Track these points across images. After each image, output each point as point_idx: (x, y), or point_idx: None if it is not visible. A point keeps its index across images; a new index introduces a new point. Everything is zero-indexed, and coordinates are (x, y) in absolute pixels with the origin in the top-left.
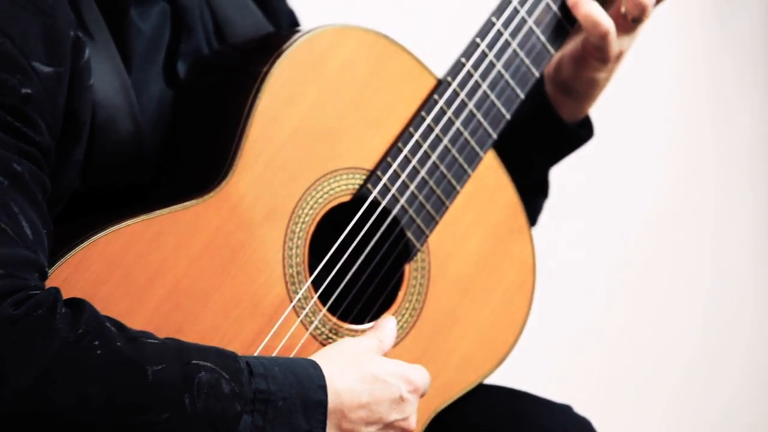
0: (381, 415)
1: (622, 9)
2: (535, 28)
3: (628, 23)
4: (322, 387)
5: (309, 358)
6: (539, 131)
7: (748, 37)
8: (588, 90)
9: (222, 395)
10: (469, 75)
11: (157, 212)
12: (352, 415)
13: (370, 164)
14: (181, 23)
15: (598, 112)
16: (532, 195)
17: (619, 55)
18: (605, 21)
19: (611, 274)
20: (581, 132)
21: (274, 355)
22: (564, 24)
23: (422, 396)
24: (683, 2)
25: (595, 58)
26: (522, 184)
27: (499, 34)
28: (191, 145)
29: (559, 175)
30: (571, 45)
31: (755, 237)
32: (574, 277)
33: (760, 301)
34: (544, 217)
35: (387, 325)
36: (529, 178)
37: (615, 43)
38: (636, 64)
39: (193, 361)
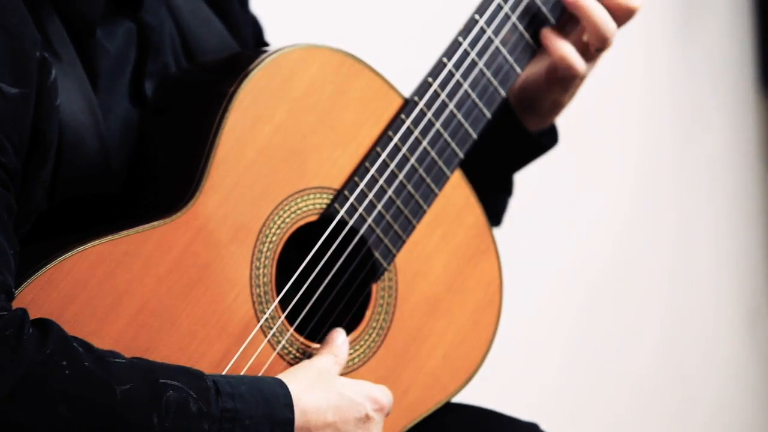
0: None
1: (584, 38)
2: (501, 48)
3: (591, 52)
4: (289, 405)
5: (275, 377)
6: (503, 140)
7: (711, 49)
8: (552, 109)
9: (189, 414)
10: (436, 94)
11: (125, 232)
12: None
13: (337, 184)
14: (148, 42)
15: (562, 126)
16: (497, 193)
17: (582, 79)
18: (578, 63)
19: (577, 293)
20: (546, 140)
21: (242, 374)
22: (531, 44)
23: (387, 415)
24: (647, 16)
25: (558, 85)
26: (486, 186)
27: (466, 53)
28: (158, 166)
29: (519, 196)
30: (535, 68)
31: (716, 251)
32: (539, 296)
33: (723, 316)
34: (508, 237)
35: (337, 338)
36: (494, 181)
37: (583, 69)
38: (600, 80)
39: (161, 380)
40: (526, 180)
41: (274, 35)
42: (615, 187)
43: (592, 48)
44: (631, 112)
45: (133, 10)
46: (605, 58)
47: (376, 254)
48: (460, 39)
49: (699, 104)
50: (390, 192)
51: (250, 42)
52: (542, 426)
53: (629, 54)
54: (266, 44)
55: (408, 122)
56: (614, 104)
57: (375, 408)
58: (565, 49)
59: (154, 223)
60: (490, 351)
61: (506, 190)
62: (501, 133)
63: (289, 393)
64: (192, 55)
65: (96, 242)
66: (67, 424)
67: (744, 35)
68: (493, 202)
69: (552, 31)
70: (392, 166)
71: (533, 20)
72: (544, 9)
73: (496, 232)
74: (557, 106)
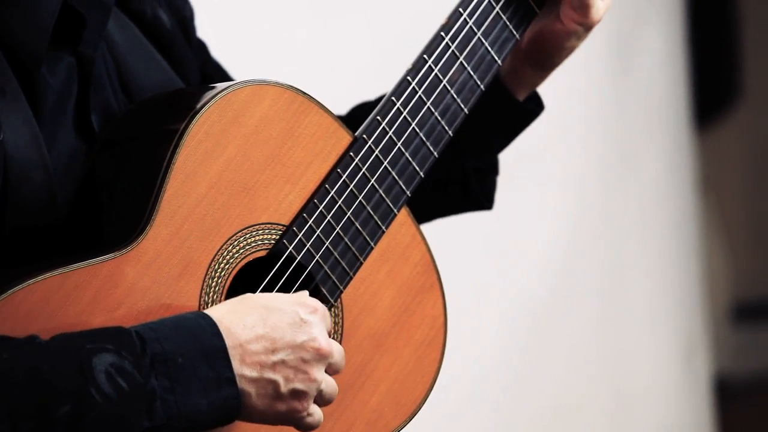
0: (285, 341)
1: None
2: (449, 87)
3: (584, 12)
4: (217, 334)
5: (196, 311)
6: (494, 114)
7: (645, 85)
8: (562, 58)
9: (125, 372)
10: (385, 132)
11: (75, 265)
12: (252, 347)
13: (286, 220)
14: (88, 77)
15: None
16: (487, 173)
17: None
18: None
19: (517, 328)
20: (534, 107)
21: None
22: (495, 59)
23: (329, 330)
24: (581, 52)
25: (579, 23)
26: (474, 162)
27: (414, 92)
28: (109, 200)
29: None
30: (546, 22)
31: (652, 288)
32: (481, 331)
33: (660, 351)
34: (451, 274)
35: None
36: (485, 160)
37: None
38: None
39: (87, 346)
40: (463, 219)
41: (224, 60)
42: (552, 221)
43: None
44: (564, 148)
45: (72, 44)
46: (541, 95)
47: (324, 290)
48: (409, 78)
49: (632, 140)
50: (338, 229)
51: (196, 75)
52: None
53: (563, 90)
54: (215, 64)
55: (356, 160)
56: (548, 141)
57: (308, 311)
58: None
59: (105, 257)
60: (434, 387)
61: (494, 169)
62: (491, 109)
63: (213, 321)
64: (129, 91)
65: (47, 275)
66: (3, 415)
67: (677, 71)
68: (485, 181)
69: None
70: (340, 202)
71: (480, 61)
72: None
73: (443, 266)
74: (568, 53)
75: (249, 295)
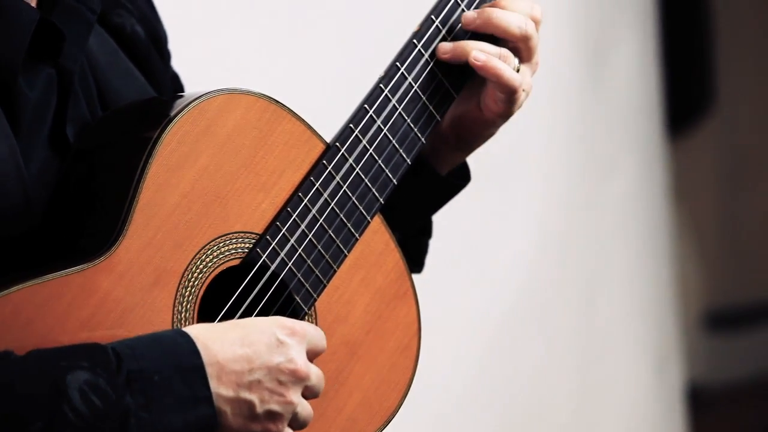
0: (262, 361)
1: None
2: (421, 94)
3: (506, 105)
4: (195, 352)
5: (175, 329)
6: (417, 186)
7: (618, 94)
8: (479, 143)
9: (99, 389)
10: (358, 140)
11: (49, 276)
12: (230, 366)
13: (259, 228)
14: (68, 89)
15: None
16: (417, 236)
17: (524, 93)
18: (515, 77)
19: (490, 339)
20: (459, 181)
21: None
22: (450, 90)
23: (312, 352)
24: (555, 59)
25: (498, 116)
26: (405, 230)
27: (387, 99)
28: (82, 210)
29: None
30: (463, 107)
31: (625, 298)
32: (455, 340)
33: (633, 362)
34: (426, 282)
35: None
36: (412, 226)
37: (522, 98)
38: (508, 125)
39: (62, 363)
40: (438, 228)
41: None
42: (524, 230)
43: (503, 98)
44: (538, 157)
45: (53, 57)
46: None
47: (297, 298)
48: (382, 86)
49: (605, 149)
50: (311, 237)
51: (170, 92)
52: None
53: (536, 99)
54: None
55: (329, 168)
56: (520, 149)
57: (287, 333)
58: (496, 63)
59: (78, 267)
60: (408, 394)
61: (425, 232)
62: (415, 178)
63: (191, 339)
64: (107, 104)
65: (21, 286)
66: None
67: (651, 80)
68: (414, 245)
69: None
70: (314, 211)
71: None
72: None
73: (416, 276)
74: (487, 138)
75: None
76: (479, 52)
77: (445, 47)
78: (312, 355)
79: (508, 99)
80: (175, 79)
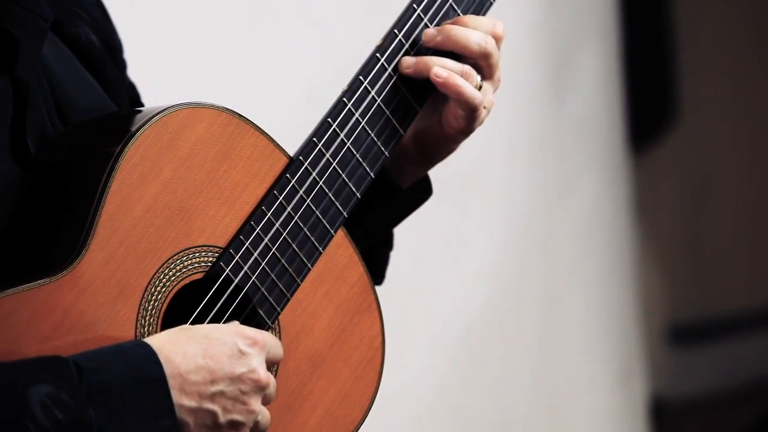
0: (224, 372)
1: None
2: (385, 108)
3: (467, 121)
4: (156, 363)
5: (135, 339)
6: (379, 199)
7: (580, 109)
8: (440, 158)
9: (61, 402)
10: (321, 154)
11: (10, 290)
12: (192, 377)
13: (222, 242)
14: (24, 99)
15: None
16: (378, 247)
17: (484, 110)
18: (475, 95)
19: (453, 351)
20: (420, 194)
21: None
22: (413, 104)
23: (270, 362)
24: (517, 75)
25: (459, 132)
26: (366, 242)
27: (351, 113)
28: (44, 224)
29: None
30: (425, 123)
31: (589, 312)
32: (418, 351)
33: (597, 375)
34: (389, 295)
35: None
36: (375, 238)
37: (483, 115)
38: (469, 140)
39: (24, 376)
40: (402, 241)
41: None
42: (488, 244)
43: (464, 115)
44: (500, 171)
45: (8, 67)
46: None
47: (261, 312)
48: (345, 99)
49: (568, 163)
50: (275, 250)
51: (126, 101)
52: None
53: (498, 113)
54: (143, 106)
55: (293, 181)
56: (484, 164)
57: (247, 343)
58: (456, 80)
59: (40, 282)
60: (372, 407)
61: (387, 244)
62: (377, 190)
63: (152, 350)
64: (65, 114)
65: None
66: None
67: (613, 95)
68: (375, 257)
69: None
70: (277, 224)
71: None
72: None
73: (381, 287)
74: (449, 153)
75: (188, 326)
76: (440, 69)
77: (408, 62)
78: (269, 364)
79: (469, 116)
80: (132, 88)
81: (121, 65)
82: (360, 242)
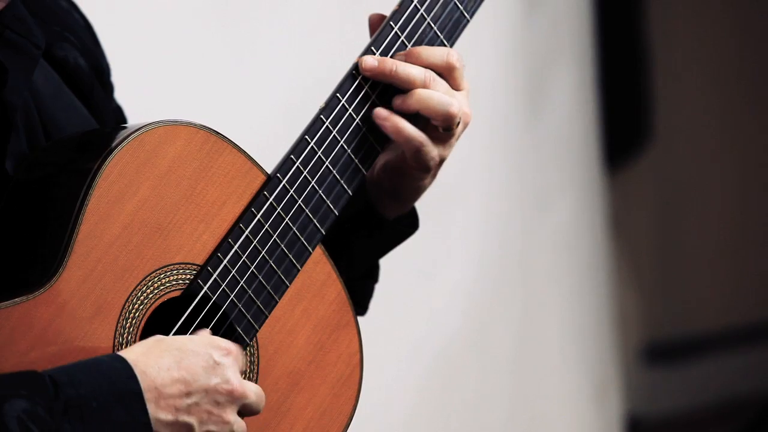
0: (199, 383)
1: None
2: (362, 126)
3: (441, 133)
4: (132, 377)
5: (111, 353)
6: (364, 230)
7: (556, 127)
8: (413, 195)
9: (37, 417)
10: (299, 171)
11: None
12: (167, 390)
13: (200, 259)
14: (10, 122)
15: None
16: (362, 279)
17: (441, 162)
18: (416, 135)
19: (429, 366)
20: (406, 228)
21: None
22: (374, 145)
23: (242, 371)
24: (490, 92)
25: (415, 169)
26: (352, 274)
27: (328, 131)
28: (22, 241)
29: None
30: (393, 155)
31: (564, 327)
32: (395, 368)
33: (572, 390)
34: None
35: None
36: (359, 269)
37: (433, 152)
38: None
39: (1, 391)
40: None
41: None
42: (463, 263)
43: (440, 128)
44: (477, 188)
45: None
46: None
47: (239, 329)
48: (323, 117)
49: (543, 182)
50: (252, 268)
51: (113, 124)
52: None
53: (474, 133)
54: None
55: (270, 199)
56: (460, 181)
57: (222, 354)
58: (397, 121)
59: (17, 300)
60: (350, 424)
61: (371, 276)
62: (360, 224)
63: (128, 364)
64: (51, 138)
65: None
66: None
67: (588, 113)
68: (359, 288)
69: (392, 117)
70: (255, 242)
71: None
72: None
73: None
74: (417, 192)
75: (162, 337)
76: (381, 109)
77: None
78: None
79: (414, 156)
80: (119, 111)
81: (109, 88)
82: (344, 273)
